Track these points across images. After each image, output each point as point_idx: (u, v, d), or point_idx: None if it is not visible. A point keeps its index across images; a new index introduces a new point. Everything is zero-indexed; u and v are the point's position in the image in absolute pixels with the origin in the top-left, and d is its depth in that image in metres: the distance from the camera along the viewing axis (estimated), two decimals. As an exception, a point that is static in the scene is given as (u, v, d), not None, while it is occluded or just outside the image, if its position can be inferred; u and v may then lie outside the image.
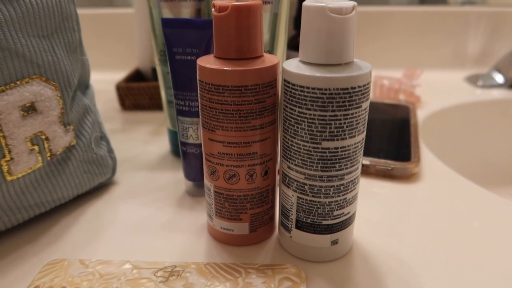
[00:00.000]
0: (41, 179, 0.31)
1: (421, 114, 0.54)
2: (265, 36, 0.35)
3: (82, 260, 0.28)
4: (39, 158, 0.30)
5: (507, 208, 0.34)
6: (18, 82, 0.27)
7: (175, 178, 0.39)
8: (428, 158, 0.43)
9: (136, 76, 0.63)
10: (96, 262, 0.28)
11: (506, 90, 0.63)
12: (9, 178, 0.28)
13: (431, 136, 0.52)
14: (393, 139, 0.45)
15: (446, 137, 0.59)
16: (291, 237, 0.28)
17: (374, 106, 0.54)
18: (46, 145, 0.30)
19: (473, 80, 0.67)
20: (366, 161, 0.39)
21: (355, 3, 0.23)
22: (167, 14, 0.38)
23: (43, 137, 0.30)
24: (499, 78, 0.66)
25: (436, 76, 0.71)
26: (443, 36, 0.75)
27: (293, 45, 0.53)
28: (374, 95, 0.60)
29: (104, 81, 0.67)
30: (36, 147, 0.29)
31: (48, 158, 0.30)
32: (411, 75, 0.59)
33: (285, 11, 0.35)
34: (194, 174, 0.35)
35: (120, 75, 0.64)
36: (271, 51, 0.36)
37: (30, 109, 0.28)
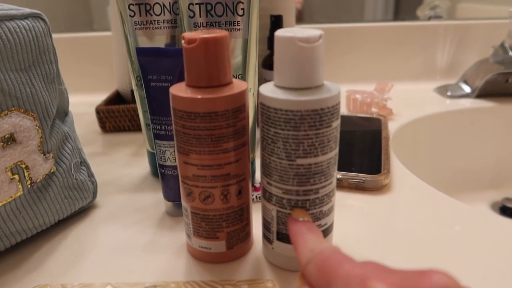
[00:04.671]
0: (22, 207, 0.31)
1: (393, 126, 0.56)
2: (237, 59, 0.37)
3: (64, 284, 0.29)
4: (20, 186, 0.31)
5: (474, 216, 0.36)
6: (-3, 115, 0.28)
7: (155, 199, 0.40)
8: (398, 169, 0.45)
9: (116, 98, 0.64)
10: (78, 285, 0.28)
11: (473, 99, 0.67)
12: (-10, 207, 0.29)
13: (403, 147, 0.55)
14: (364, 152, 0.47)
15: (418, 147, 0.61)
16: (273, 248, 0.30)
17: (347, 120, 0.56)
18: (26, 174, 0.31)
19: (442, 90, 0.71)
20: (339, 175, 0.41)
21: (321, 32, 0.25)
22: (143, 39, 0.40)
23: (23, 166, 0.31)
24: (466, 88, 0.69)
25: (407, 88, 0.74)
26: (413, 50, 0.78)
27: (268, 64, 0.55)
28: (347, 109, 0.62)
29: (85, 104, 0.68)
30: (16, 176, 0.30)
31: (29, 186, 0.31)
32: (382, 88, 0.62)
33: (254, 37, 0.37)
34: (173, 195, 0.36)
35: (101, 97, 0.65)
36: (243, 73, 0.38)
37: (9, 140, 0.29)
